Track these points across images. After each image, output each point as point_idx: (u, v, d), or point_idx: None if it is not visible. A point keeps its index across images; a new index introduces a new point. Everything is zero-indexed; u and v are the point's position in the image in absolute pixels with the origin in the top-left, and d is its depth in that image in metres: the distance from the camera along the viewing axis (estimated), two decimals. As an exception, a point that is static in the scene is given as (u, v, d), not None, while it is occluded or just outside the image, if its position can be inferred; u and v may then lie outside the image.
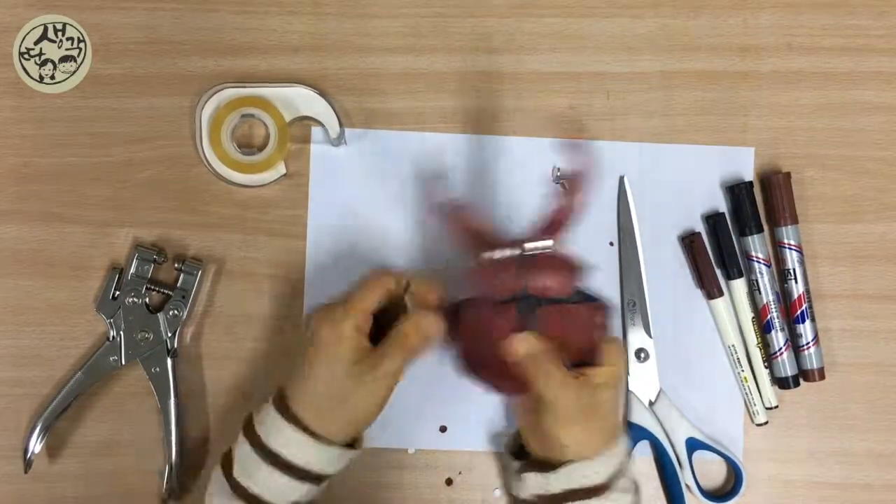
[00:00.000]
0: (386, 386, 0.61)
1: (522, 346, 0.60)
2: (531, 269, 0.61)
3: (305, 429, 0.60)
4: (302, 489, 0.61)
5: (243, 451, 0.61)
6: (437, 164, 0.73)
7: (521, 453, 0.66)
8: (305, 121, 0.72)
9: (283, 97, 0.71)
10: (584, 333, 0.62)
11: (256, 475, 0.60)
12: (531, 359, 0.60)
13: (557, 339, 0.60)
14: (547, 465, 0.61)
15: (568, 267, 0.61)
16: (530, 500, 0.62)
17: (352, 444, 0.63)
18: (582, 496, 0.60)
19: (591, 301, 0.62)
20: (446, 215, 0.62)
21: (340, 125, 0.71)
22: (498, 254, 0.61)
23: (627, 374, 0.71)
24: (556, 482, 0.60)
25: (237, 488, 0.60)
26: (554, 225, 0.62)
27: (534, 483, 0.61)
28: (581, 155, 0.62)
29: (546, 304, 0.61)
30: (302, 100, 0.71)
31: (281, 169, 0.71)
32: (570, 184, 0.61)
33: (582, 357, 0.61)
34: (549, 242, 0.61)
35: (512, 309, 0.60)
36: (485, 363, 0.63)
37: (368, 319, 0.62)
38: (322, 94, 0.71)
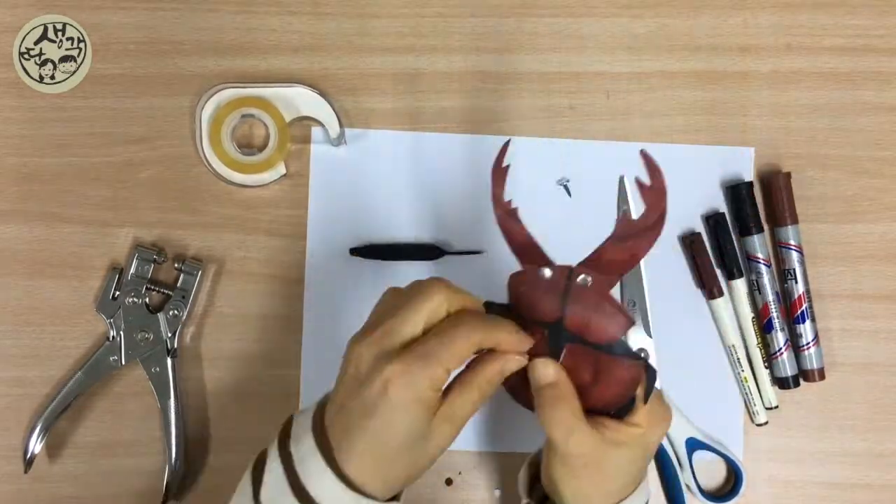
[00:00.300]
0: (455, 435, 0.53)
1: (543, 372, 0.53)
2: (576, 301, 0.54)
3: (345, 478, 0.51)
4: None
5: (274, 474, 0.53)
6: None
7: (535, 478, 0.61)
8: (305, 121, 0.72)
9: (284, 97, 0.71)
10: (611, 389, 0.54)
11: None
12: (548, 390, 0.53)
13: (579, 385, 0.54)
14: None
15: (617, 312, 0.53)
16: None
17: (394, 497, 0.55)
18: None
19: (630, 357, 0.53)
20: (503, 218, 0.57)
21: (340, 125, 0.71)
22: (546, 272, 0.54)
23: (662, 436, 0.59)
24: None
25: None
26: (614, 264, 0.55)
27: None
28: (656, 180, 0.54)
29: (578, 343, 0.54)
30: (302, 100, 0.71)
31: (281, 169, 0.71)
32: (645, 216, 0.54)
33: (607, 408, 0.55)
34: (607, 278, 0.54)
35: (541, 332, 0.54)
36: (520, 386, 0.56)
37: (447, 377, 0.52)
38: (322, 94, 0.71)
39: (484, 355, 0.53)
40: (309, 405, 0.55)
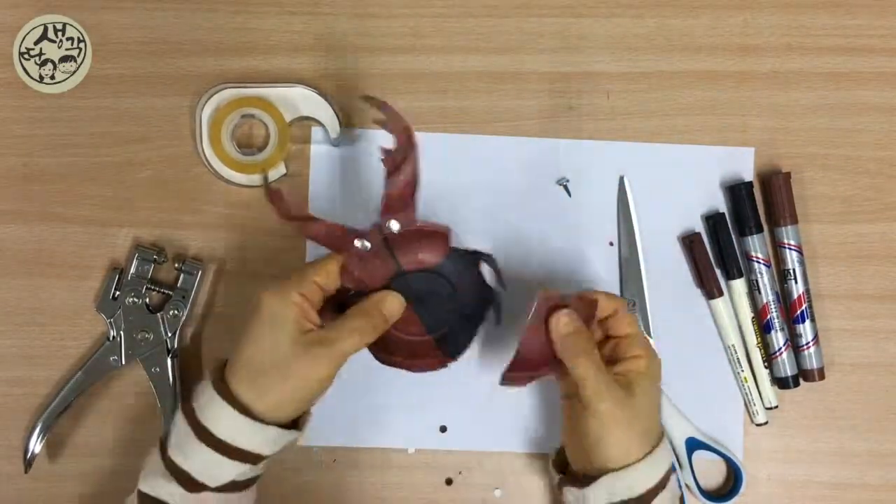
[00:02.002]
0: (335, 364, 0.58)
1: (564, 323, 0.60)
2: (399, 247, 0.61)
3: (242, 407, 0.57)
4: (237, 469, 0.57)
5: (179, 428, 0.58)
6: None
7: (565, 468, 0.64)
8: (305, 121, 0.72)
9: (284, 97, 0.71)
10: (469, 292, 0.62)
11: (190, 453, 0.57)
12: (572, 338, 0.59)
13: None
14: (587, 479, 0.58)
15: (435, 231, 0.61)
16: None
17: (293, 424, 0.60)
18: None
19: (474, 255, 0.62)
20: (296, 226, 0.61)
21: (340, 125, 0.71)
22: (365, 244, 0.61)
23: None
24: (595, 496, 0.58)
25: (171, 466, 0.58)
26: (400, 201, 0.61)
27: (573, 498, 0.59)
28: (396, 121, 0.60)
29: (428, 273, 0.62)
30: (302, 100, 0.71)
31: (281, 169, 0.71)
32: (395, 156, 0.60)
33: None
34: (405, 218, 0.61)
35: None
36: (389, 346, 0.62)
37: (319, 293, 0.59)
38: (322, 94, 0.71)
39: (367, 299, 0.60)
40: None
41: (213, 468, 0.57)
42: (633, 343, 0.61)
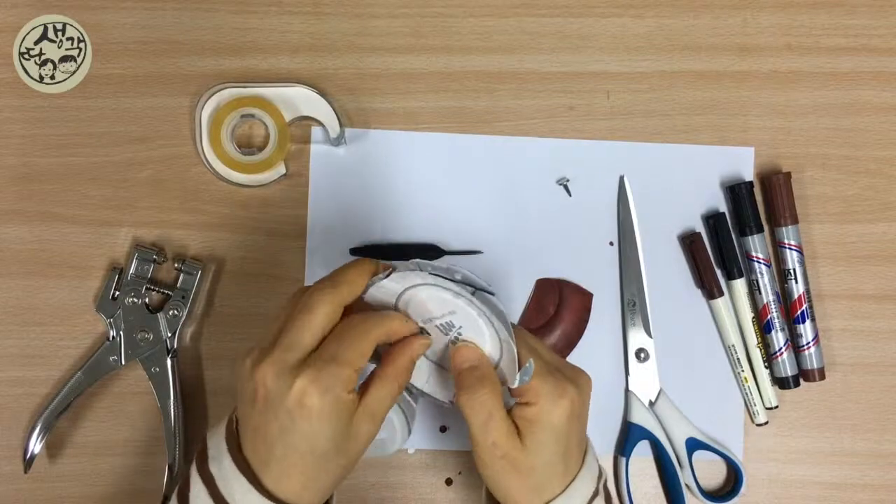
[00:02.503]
0: (376, 431, 0.53)
1: (466, 355, 0.54)
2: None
3: (267, 492, 0.51)
4: None
5: (197, 494, 0.52)
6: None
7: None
8: (305, 121, 0.72)
9: (284, 97, 0.71)
10: None
11: None
12: (470, 372, 0.54)
13: None
14: None
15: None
16: None
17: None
18: None
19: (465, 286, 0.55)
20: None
21: (340, 125, 0.71)
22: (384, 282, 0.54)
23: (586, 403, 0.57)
24: None
25: None
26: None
27: None
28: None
29: None
30: (302, 100, 0.71)
31: (281, 169, 0.71)
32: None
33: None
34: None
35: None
36: None
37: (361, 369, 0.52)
38: (322, 93, 0.71)
39: (391, 349, 0.53)
40: (217, 425, 0.55)
41: None
42: (522, 388, 0.53)
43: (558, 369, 0.55)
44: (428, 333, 0.55)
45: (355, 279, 0.53)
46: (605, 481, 0.58)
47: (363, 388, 0.52)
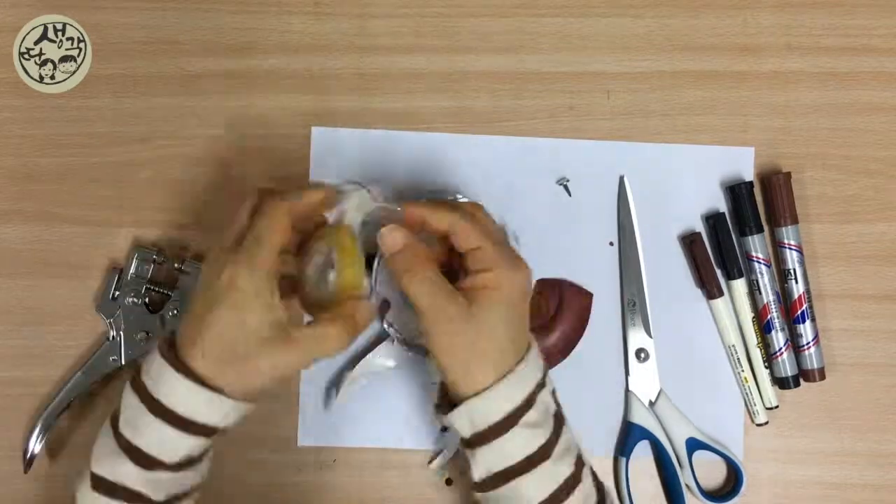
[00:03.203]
0: (303, 364, 0.56)
1: (391, 239, 0.56)
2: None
3: (199, 380, 0.53)
4: (191, 443, 0.54)
5: (129, 403, 0.55)
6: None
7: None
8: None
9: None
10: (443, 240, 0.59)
11: (141, 427, 0.54)
12: (401, 254, 0.56)
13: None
14: (451, 406, 0.55)
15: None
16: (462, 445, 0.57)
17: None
18: (486, 438, 0.54)
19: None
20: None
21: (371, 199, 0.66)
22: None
23: (528, 276, 0.57)
24: (459, 424, 0.55)
25: (122, 442, 0.54)
26: None
27: (448, 426, 0.57)
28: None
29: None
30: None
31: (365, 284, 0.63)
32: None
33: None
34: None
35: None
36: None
37: (280, 267, 0.56)
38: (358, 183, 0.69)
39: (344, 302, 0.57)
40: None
41: (167, 443, 0.54)
42: (480, 256, 0.55)
43: (502, 247, 0.57)
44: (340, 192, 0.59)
45: (306, 192, 0.58)
46: (549, 381, 0.58)
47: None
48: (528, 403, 0.54)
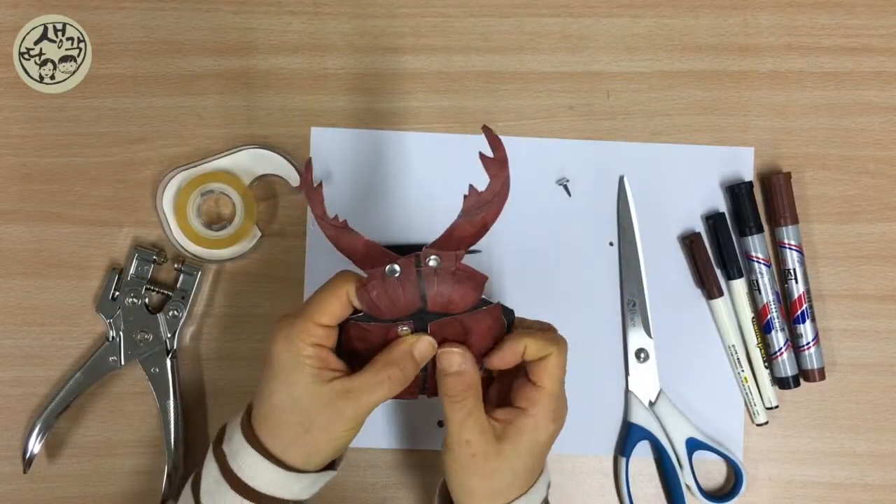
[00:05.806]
0: (363, 415, 0.54)
1: (450, 360, 0.54)
2: (432, 284, 0.54)
3: (275, 459, 0.53)
4: None
5: (210, 473, 0.55)
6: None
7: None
8: (267, 177, 0.71)
9: (237, 164, 0.70)
10: (480, 341, 0.56)
11: (220, 502, 0.54)
12: (455, 378, 0.54)
13: None
14: None
15: (471, 279, 0.55)
16: None
17: (329, 464, 0.57)
18: None
19: (485, 305, 0.56)
20: (327, 232, 0.55)
21: (299, 173, 0.69)
22: (395, 269, 0.54)
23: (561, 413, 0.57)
24: None
25: None
26: (462, 240, 0.55)
27: None
28: (499, 166, 0.56)
29: (441, 319, 0.55)
30: (256, 160, 0.70)
31: (256, 233, 0.70)
32: (484, 195, 0.55)
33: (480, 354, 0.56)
34: (450, 259, 0.54)
35: (410, 325, 0.55)
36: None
37: (332, 336, 0.54)
38: (271, 148, 0.70)
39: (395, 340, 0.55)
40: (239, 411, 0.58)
41: None
42: (533, 394, 0.55)
43: (562, 394, 0.57)
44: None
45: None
46: (548, 491, 0.60)
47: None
48: None
